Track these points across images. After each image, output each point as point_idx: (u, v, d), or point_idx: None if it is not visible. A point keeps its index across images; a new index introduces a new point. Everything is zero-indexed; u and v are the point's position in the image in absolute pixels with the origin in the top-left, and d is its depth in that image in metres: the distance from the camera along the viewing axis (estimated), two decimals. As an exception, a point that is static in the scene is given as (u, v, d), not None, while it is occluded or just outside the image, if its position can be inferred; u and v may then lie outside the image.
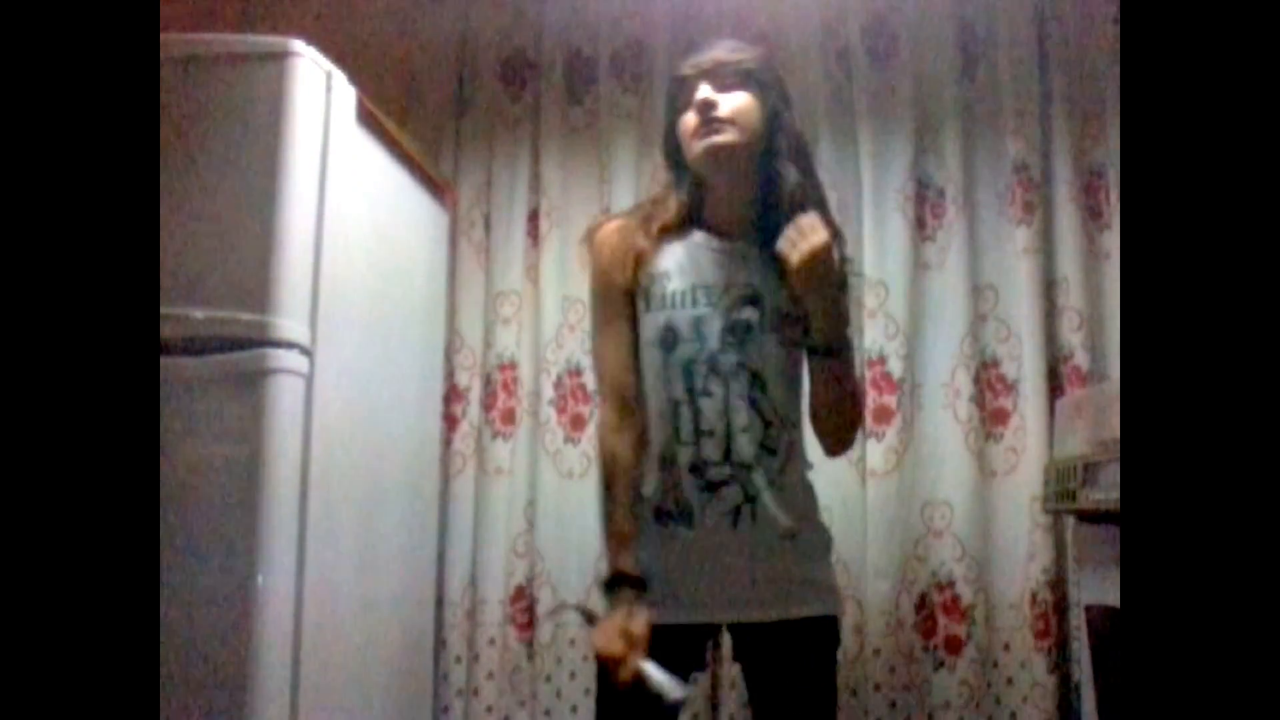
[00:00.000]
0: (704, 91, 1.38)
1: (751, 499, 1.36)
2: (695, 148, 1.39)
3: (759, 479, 1.36)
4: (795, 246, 1.31)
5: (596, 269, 1.46)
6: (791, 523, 1.38)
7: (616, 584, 1.33)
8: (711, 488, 1.36)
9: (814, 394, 1.44)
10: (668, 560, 1.37)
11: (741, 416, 1.36)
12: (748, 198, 1.44)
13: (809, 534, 1.42)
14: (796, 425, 1.43)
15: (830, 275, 1.34)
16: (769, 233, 1.38)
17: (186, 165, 1.60)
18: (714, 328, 1.38)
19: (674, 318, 1.39)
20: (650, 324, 1.41)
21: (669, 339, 1.39)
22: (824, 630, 1.40)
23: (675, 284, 1.41)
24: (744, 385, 1.37)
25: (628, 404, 1.40)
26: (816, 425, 1.46)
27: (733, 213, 1.44)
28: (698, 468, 1.36)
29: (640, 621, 1.27)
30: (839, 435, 1.48)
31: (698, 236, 1.44)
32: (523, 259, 2.38)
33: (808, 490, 1.46)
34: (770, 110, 1.42)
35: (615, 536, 1.35)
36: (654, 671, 1.24)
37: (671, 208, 1.44)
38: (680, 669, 1.30)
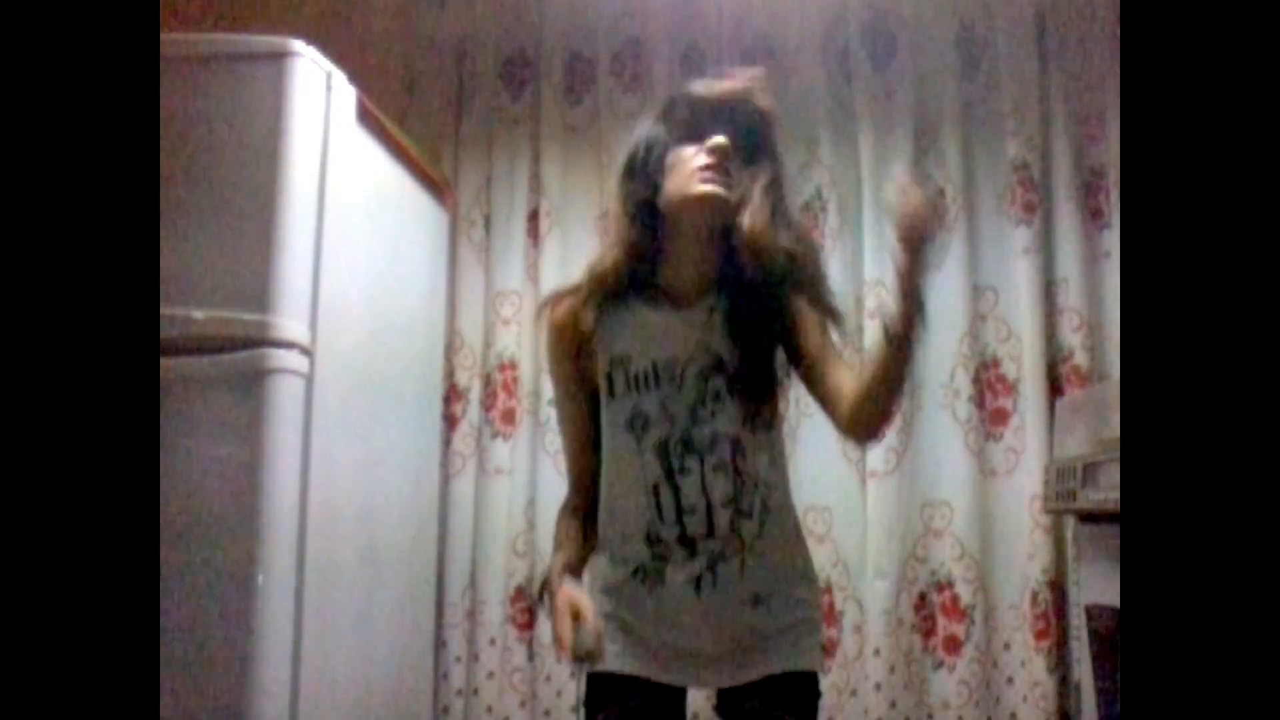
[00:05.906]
0: (723, 137, 1.28)
1: (712, 567, 1.32)
2: (693, 189, 1.28)
3: (726, 548, 1.32)
4: (905, 205, 1.22)
5: (549, 352, 1.44)
6: (759, 588, 1.33)
7: (544, 586, 1.37)
8: (693, 557, 1.32)
9: (873, 383, 1.30)
10: (646, 614, 1.34)
11: (719, 490, 1.31)
12: (712, 259, 1.34)
13: (788, 591, 1.36)
14: (776, 483, 1.37)
15: (933, 240, 1.26)
16: (722, 297, 1.34)
17: (186, 165, 1.60)
18: (683, 405, 1.32)
19: (640, 402, 1.33)
20: (619, 410, 1.35)
21: (639, 423, 1.33)
22: (801, 685, 1.35)
23: (636, 366, 1.34)
24: (724, 453, 1.32)
25: (583, 483, 1.41)
26: (862, 412, 1.32)
27: (691, 273, 1.35)
28: (685, 540, 1.32)
29: (573, 593, 1.27)
30: (882, 424, 1.37)
31: (650, 306, 1.35)
32: (523, 259, 2.38)
33: (795, 544, 1.41)
34: (770, 181, 1.31)
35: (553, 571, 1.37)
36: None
37: (615, 268, 1.34)
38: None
